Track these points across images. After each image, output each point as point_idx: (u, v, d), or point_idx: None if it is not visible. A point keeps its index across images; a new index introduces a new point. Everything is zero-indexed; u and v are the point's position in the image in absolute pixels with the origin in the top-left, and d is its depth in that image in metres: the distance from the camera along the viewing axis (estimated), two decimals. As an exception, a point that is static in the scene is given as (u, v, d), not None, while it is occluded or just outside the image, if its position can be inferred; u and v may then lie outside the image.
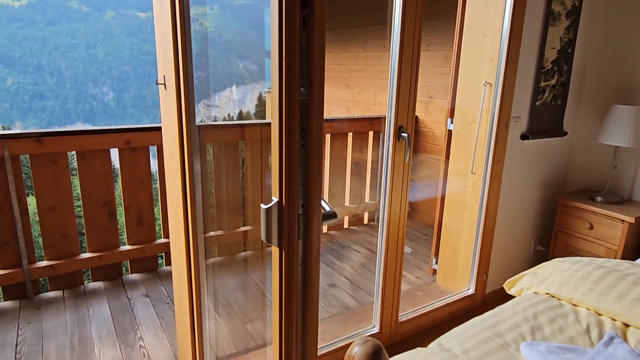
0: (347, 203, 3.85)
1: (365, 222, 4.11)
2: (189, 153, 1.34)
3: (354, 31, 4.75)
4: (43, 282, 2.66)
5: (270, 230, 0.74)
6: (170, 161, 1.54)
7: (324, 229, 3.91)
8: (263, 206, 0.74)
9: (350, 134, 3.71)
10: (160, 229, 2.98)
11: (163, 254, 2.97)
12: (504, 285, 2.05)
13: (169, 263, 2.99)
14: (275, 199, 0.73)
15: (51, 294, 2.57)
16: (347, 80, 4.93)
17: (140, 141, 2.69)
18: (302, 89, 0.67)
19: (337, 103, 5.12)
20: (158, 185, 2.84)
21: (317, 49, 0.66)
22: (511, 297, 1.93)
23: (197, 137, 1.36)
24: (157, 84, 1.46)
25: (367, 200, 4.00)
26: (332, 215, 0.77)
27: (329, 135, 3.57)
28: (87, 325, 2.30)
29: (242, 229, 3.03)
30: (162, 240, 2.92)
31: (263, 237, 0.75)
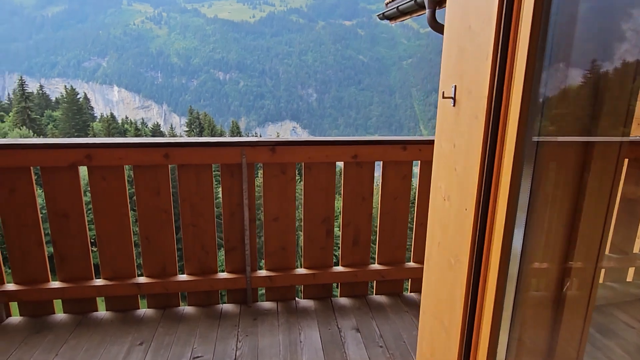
0: (606, 251, 2.86)
1: (629, 279, 3.01)
2: (511, 193, 0.87)
3: None
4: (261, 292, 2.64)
5: None
6: (444, 206, 1.09)
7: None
8: None
9: (626, 161, 2.72)
10: (375, 253, 2.67)
11: (375, 282, 2.64)
12: None
13: (379, 292, 2.66)
14: None
15: (266, 304, 2.52)
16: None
17: (367, 155, 2.41)
18: None
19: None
20: (379, 205, 2.52)
21: None
22: None
23: (531, 158, 0.90)
24: (443, 97, 1.03)
25: (636, 250, 2.92)
26: None
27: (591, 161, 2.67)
28: (298, 353, 2.11)
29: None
30: (376, 266, 2.60)
31: None
